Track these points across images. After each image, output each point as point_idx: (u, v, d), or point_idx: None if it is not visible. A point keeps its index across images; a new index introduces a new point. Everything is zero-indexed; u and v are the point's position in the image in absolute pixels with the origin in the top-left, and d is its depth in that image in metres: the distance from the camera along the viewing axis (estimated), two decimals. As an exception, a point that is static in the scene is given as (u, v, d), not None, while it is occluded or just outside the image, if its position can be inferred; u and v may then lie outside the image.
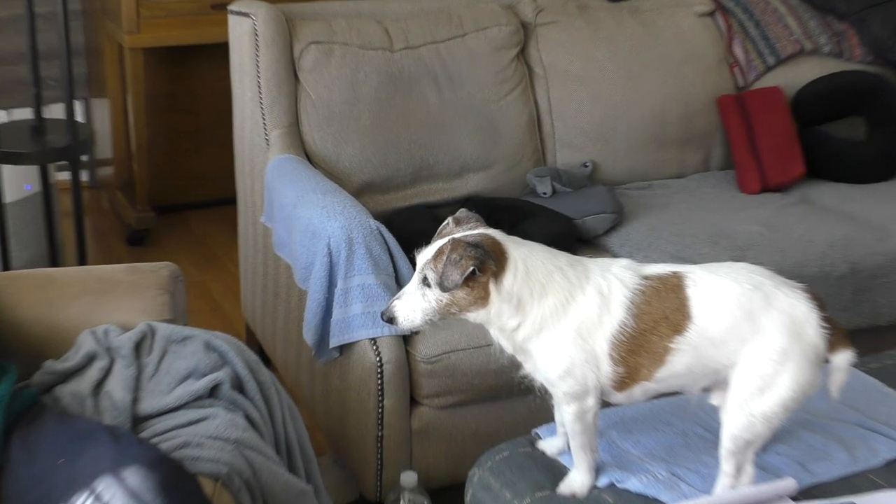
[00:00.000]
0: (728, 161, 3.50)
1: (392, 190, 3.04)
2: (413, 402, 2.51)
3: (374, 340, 2.42)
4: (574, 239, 2.94)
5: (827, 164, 3.54)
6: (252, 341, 3.32)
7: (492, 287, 1.65)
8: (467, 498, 1.94)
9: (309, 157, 2.95)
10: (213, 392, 2.04)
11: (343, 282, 2.43)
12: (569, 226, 2.94)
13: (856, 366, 2.23)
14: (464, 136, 3.11)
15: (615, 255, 2.91)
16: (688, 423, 1.99)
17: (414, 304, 1.67)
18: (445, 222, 1.74)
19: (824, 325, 1.70)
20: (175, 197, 4.67)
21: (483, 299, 1.66)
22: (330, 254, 2.45)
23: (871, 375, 2.20)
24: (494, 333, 1.73)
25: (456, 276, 1.60)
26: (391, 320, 1.69)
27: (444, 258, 1.61)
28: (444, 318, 1.69)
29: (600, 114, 3.30)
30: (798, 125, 3.57)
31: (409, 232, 2.59)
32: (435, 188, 3.09)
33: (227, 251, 4.24)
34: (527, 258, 1.67)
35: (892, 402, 2.08)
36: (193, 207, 4.70)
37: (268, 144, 2.94)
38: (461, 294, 1.65)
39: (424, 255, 1.67)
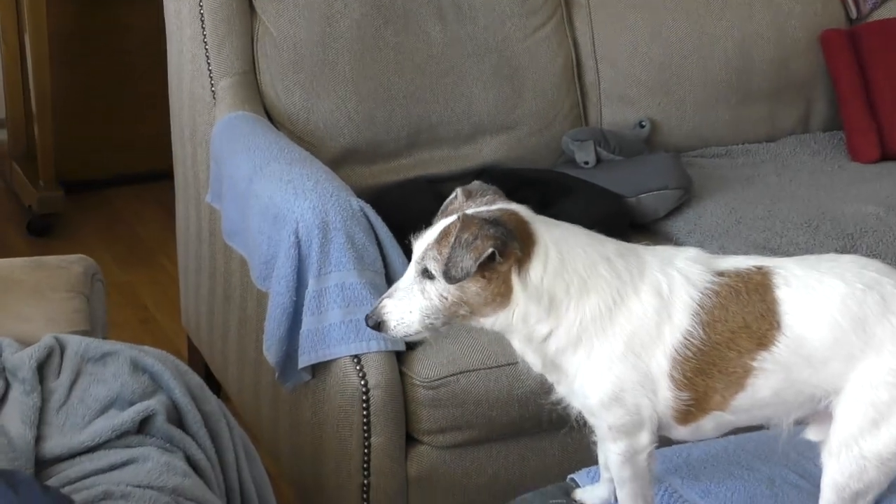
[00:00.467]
0: (835, 120, 3.53)
1: (381, 159, 3.08)
2: (410, 439, 2.55)
3: (357, 358, 2.46)
4: (626, 223, 2.98)
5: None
6: (196, 361, 3.37)
7: (515, 280, 1.68)
8: (480, 565, 1.98)
9: (269, 115, 3.00)
10: (142, 426, 2.07)
11: (316, 281, 2.47)
12: (618, 206, 2.98)
13: None
14: (477, 87, 3.15)
15: (680, 244, 2.94)
16: (776, 468, 2.02)
17: (411, 304, 1.69)
18: (453, 195, 1.77)
19: None
20: (91, 170, 4.72)
21: (503, 296, 1.68)
22: (298, 244, 2.49)
23: None
24: (518, 345, 1.76)
25: (468, 261, 1.62)
26: (379, 325, 1.71)
27: (452, 240, 1.63)
28: (449, 321, 1.71)
29: (661, 55, 3.33)
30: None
31: (404, 214, 2.61)
32: (438, 157, 3.13)
33: (163, 243, 4.30)
34: (562, 243, 1.70)
35: None
36: (116, 184, 4.76)
37: (214, 99, 2.99)
38: (475, 288, 1.67)
39: (425, 239, 1.69)
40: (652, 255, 1.76)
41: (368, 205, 2.58)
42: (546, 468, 2.58)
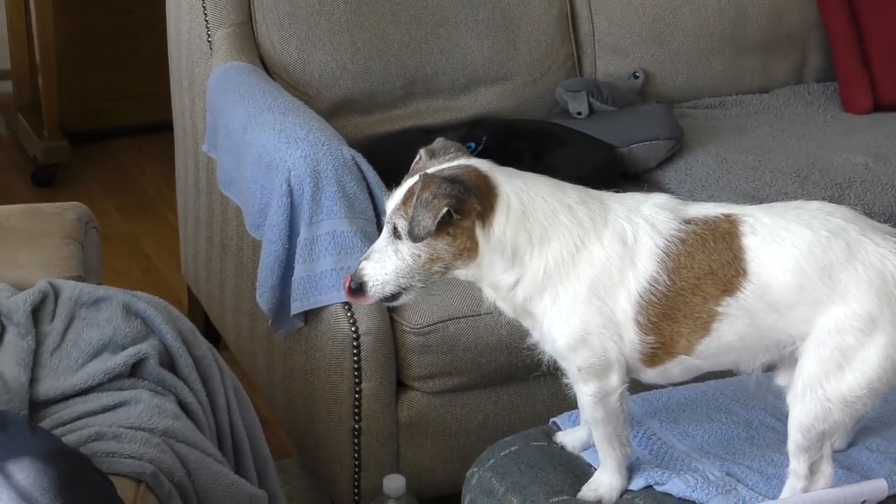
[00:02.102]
0: (829, 70, 3.53)
1: (376, 109, 3.09)
2: (400, 385, 2.58)
3: (348, 305, 2.49)
4: (618, 173, 3.00)
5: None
6: (196, 310, 3.41)
7: (479, 233, 1.72)
8: (464, 504, 2.02)
9: (265, 66, 3.01)
10: (134, 370, 2.11)
11: (308, 229, 2.50)
12: (611, 156, 3.00)
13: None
14: (472, 38, 3.16)
15: (671, 194, 2.94)
16: (753, 411, 2.05)
17: (386, 265, 1.74)
18: (417, 156, 1.81)
19: None
20: (95, 121, 4.74)
21: (471, 250, 1.73)
22: (290, 192, 2.51)
23: None
24: (490, 294, 1.80)
25: (428, 220, 1.67)
26: (360, 287, 1.76)
27: (415, 200, 1.68)
28: (429, 278, 1.76)
29: (656, 6, 3.34)
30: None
31: (398, 165, 2.59)
32: (433, 107, 3.14)
33: (165, 193, 4.32)
34: (522, 193, 1.74)
35: None
36: (120, 135, 4.78)
37: (211, 49, 3.00)
38: (441, 244, 1.72)
39: (393, 200, 1.74)
40: (619, 203, 1.78)
41: (360, 154, 2.60)
42: (535, 413, 2.61)
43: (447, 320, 2.51)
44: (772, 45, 3.48)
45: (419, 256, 1.73)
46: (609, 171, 2.95)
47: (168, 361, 2.17)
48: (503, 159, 2.85)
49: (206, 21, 3.01)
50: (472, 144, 3.05)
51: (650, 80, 3.34)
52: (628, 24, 3.33)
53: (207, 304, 3.24)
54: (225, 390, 2.24)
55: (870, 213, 2.81)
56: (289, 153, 2.53)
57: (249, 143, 2.66)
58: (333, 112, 3.04)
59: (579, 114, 3.11)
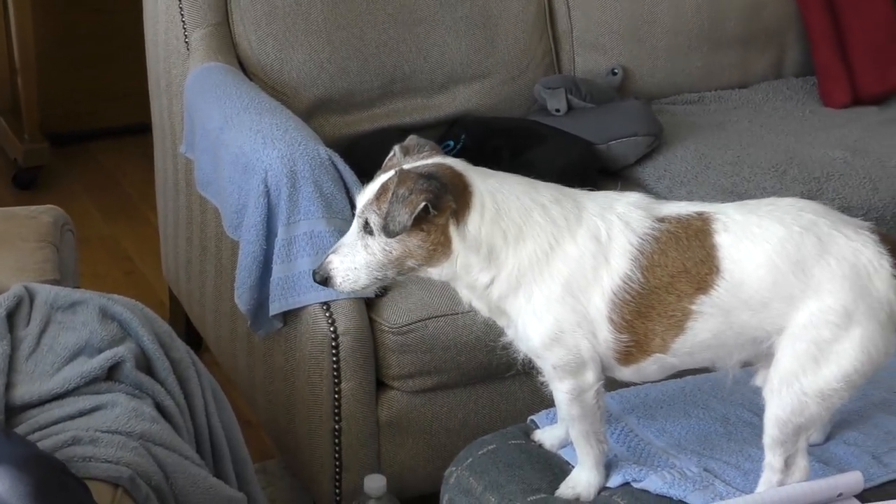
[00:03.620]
0: (808, 65, 3.53)
1: (354, 109, 3.09)
2: (380, 385, 2.58)
3: (326, 305, 2.49)
4: (596, 170, 3.00)
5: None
6: (178, 312, 3.40)
7: (453, 231, 1.72)
8: (442, 503, 2.02)
9: (243, 66, 3.01)
10: (111, 373, 2.10)
11: (285, 229, 2.49)
12: (589, 153, 3.00)
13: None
14: (450, 36, 3.15)
15: (650, 190, 2.96)
16: (731, 407, 2.06)
17: (355, 259, 1.74)
18: (391, 153, 1.80)
19: None
20: (77, 124, 4.73)
21: (444, 247, 1.73)
22: (267, 193, 2.51)
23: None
24: (465, 293, 1.80)
25: (404, 215, 1.66)
26: (326, 281, 1.76)
27: (390, 195, 1.67)
28: (399, 274, 1.76)
29: (634, 3, 3.34)
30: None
31: (377, 164, 2.60)
32: (411, 106, 3.14)
33: (146, 195, 4.29)
34: (497, 193, 1.73)
35: None
36: (101, 137, 4.77)
37: (188, 49, 3.00)
38: (415, 241, 1.71)
39: (365, 195, 1.74)
40: (592, 201, 1.78)
41: (336, 153, 2.59)
42: (516, 411, 2.61)
43: (426, 319, 2.51)
44: (750, 40, 3.48)
45: (391, 252, 1.72)
46: (587, 167, 2.96)
47: (145, 364, 2.16)
48: (482, 157, 2.88)
49: (183, 22, 3.00)
50: (451, 143, 3.05)
51: (628, 77, 3.34)
52: (606, 21, 3.33)
53: (188, 305, 3.23)
54: (203, 392, 2.23)
55: (848, 208, 2.85)
56: (265, 153, 2.52)
57: (226, 143, 2.65)
58: (311, 112, 3.03)
59: (557, 111, 3.11)
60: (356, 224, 1.75)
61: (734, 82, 3.48)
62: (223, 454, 2.25)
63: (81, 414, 2.02)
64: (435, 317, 2.52)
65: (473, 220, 1.72)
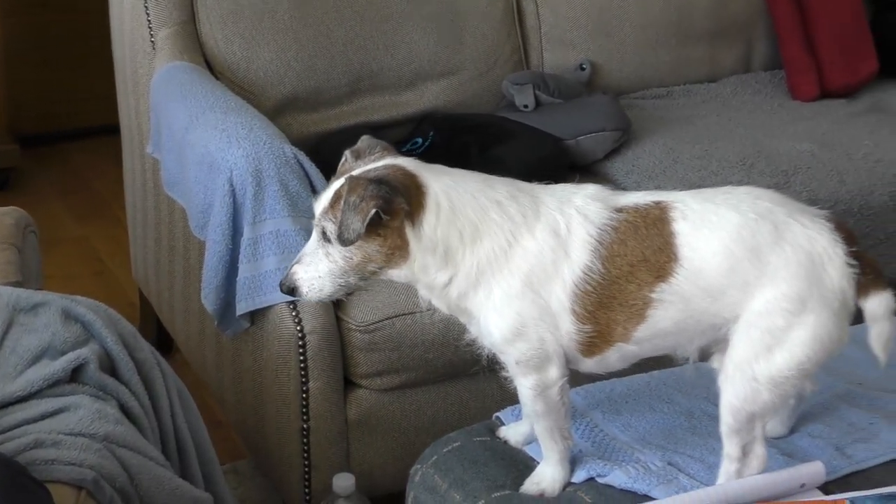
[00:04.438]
0: (776, 58, 3.55)
1: (322, 107, 3.09)
2: (348, 383, 2.57)
3: (293, 304, 2.48)
4: (565, 165, 3.00)
5: (909, 58, 3.59)
6: (148, 314, 3.39)
7: (409, 233, 1.72)
8: (408, 501, 2.01)
9: (210, 65, 3.00)
10: (74, 375, 2.09)
11: (251, 229, 2.49)
12: (557, 148, 3.00)
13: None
14: (417, 33, 3.15)
15: (619, 185, 2.97)
16: (695, 400, 2.06)
17: (318, 268, 1.74)
18: (343, 157, 1.80)
19: (852, 262, 1.75)
20: (47, 124, 4.71)
21: (402, 249, 1.72)
22: (233, 192, 2.50)
23: (942, 333, 2.27)
24: (424, 293, 1.80)
25: (356, 223, 1.66)
26: (292, 291, 1.76)
27: (342, 203, 1.67)
28: (362, 279, 1.76)
29: (601, -3, 3.35)
30: (870, 7, 3.61)
31: (344, 162, 2.64)
32: (379, 103, 3.14)
33: (118, 196, 4.25)
34: (451, 191, 1.73)
35: (964, 366, 2.15)
36: (72, 137, 4.75)
37: (154, 49, 2.99)
38: (373, 246, 1.71)
39: (321, 204, 1.73)
40: (550, 195, 1.78)
41: (302, 152, 2.59)
42: (485, 408, 2.59)
43: (393, 317, 2.51)
44: (718, 34, 3.49)
45: (351, 259, 1.72)
46: (556, 163, 2.96)
47: (109, 366, 2.15)
48: (450, 154, 2.90)
49: (149, 21, 3.00)
50: (420, 140, 3.05)
51: (597, 72, 3.34)
52: (574, 16, 3.33)
53: (158, 306, 3.22)
54: (168, 393, 2.22)
55: (815, 200, 2.85)
56: (230, 153, 2.52)
57: (191, 143, 2.64)
58: (279, 110, 3.03)
59: (526, 107, 3.11)
60: (315, 233, 1.75)
61: (703, 76, 3.49)
62: (189, 455, 2.24)
63: (44, 416, 2.01)
64: (402, 314, 2.51)
65: (428, 220, 1.72)
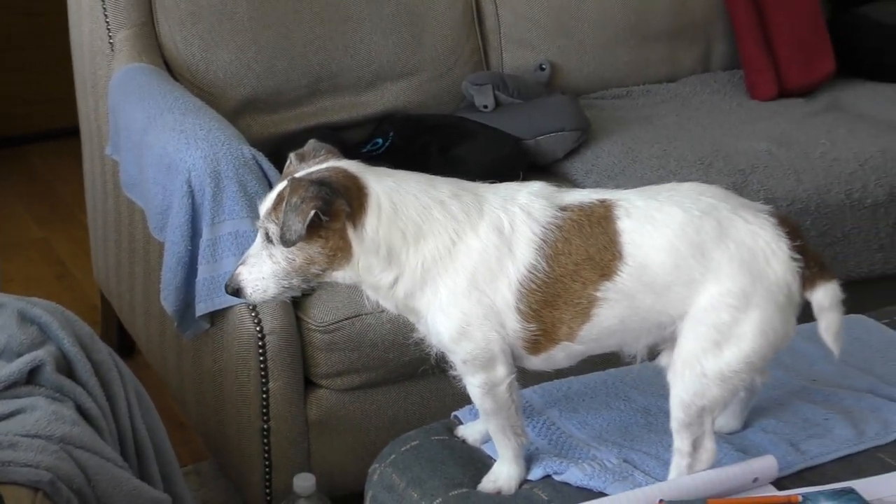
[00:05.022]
0: (735, 59, 3.57)
1: (283, 108, 3.09)
2: (309, 383, 2.57)
3: (252, 305, 2.48)
4: (524, 165, 3.01)
5: (866, 57, 3.62)
6: (110, 316, 3.38)
7: (351, 234, 1.72)
8: (366, 501, 2.01)
9: (169, 67, 2.99)
10: (31, 377, 2.09)
11: (209, 230, 2.48)
12: (516, 148, 3.01)
13: (879, 318, 2.34)
14: (377, 34, 3.16)
15: (578, 184, 2.98)
16: (652, 398, 2.07)
17: (262, 269, 1.74)
18: (288, 160, 1.81)
19: (796, 256, 1.77)
20: (9, 127, 4.68)
21: (344, 251, 1.73)
22: (191, 193, 2.50)
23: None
24: (371, 294, 1.81)
25: (297, 224, 1.66)
26: (237, 292, 1.76)
27: (284, 204, 1.68)
28: (305, 282, 1.76)
29: (560, -2, 3.36)
30: (827, 7, 3.64)
31: (304, 162, 2.64)
32: (340, 104, 3.14)
33: (80, 198, 4.25)
34: (393, 192, 1.74)
35: (917, 362, 2.17)
36: (34, 140, 4.73)
37: (112, 50, 2.98)
38: (315, 248, 1.72)
39: (265, 205, 1.74)
40: (494, 194, 1.79)
41: (262, 153, 2.59)
42: (445, 407, 2.58)
43: (352, 317, 2.51)
44: (677, 34, 3.51)
45: (294, 260, 1.73)
46: (516, 163, 2.97)
47: (66, 367, 2.14)
48: (410, 154, 2.91)
49: (107, 22, 2.99)
50: (380, 140, 3.06)
51: (557, 72, 3.36)
52: (533, 17, 3.34)
53: (119, 308, 3.22)
54: (126, 394, 2.22)
55: (772, 199, 2.88)
56: (188, 154, 2.51)
57: (150, 144, 2.64)
58: (239, 111, 3.03)
59: (485, 107, 3.12)
60: (260, 235, 1.75)
61: (662, 76, 3.51)
62: (148, 455, 2.24)
63: (0, 419, 2.01)
64: (362, 314, 2.52)
65: (370, 221, 1.72)
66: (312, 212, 1.67)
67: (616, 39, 3.42)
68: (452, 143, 2.97)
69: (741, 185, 2.91)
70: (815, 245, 2.93)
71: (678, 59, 3.53)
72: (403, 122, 3.09)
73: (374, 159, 2.39)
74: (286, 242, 1.69)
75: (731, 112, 3.35)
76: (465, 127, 3.04)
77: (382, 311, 2.47)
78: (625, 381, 2.13)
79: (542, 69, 3.32)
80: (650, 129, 3.20)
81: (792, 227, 1.80)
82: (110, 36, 2.98)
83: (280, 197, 1.71)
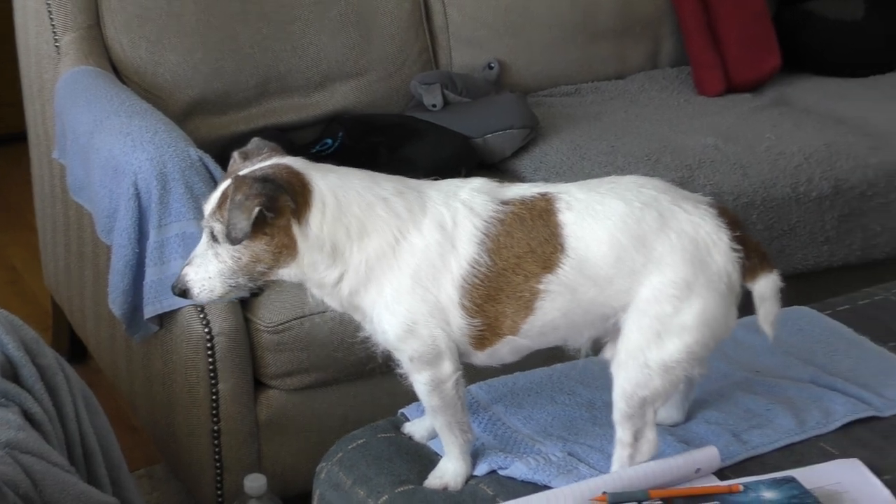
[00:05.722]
0: (683, 55, 3.60)
1: (231, 109, 3.09)
2: (258, 384, 2.58)
3: (200, 307, 2.48)
4: (473, 163, 3.02)
5: (812, 52, 3.67)
6: (61, 321, 3.36)
7: (296, 231, 1.73)
8: (314, 500, 2.02)
9: (116, 69, 2.99)
10: (-25, 382, 2.08)
11: (157, 232, 2.48)
12: (465, 147, 3.02)
13: (822, 310, 2.37)
14: (325, 35, 3.16)
15: (526, 182, 2.98)
16: (597, 392, 2.08)
17: (208, 269, 1.75)
18: (232, 159, 1.82)
19: (736, 247, 1.79)
20: (-42, 133, 4.65)
21: (289, 248, 1.73)
22: (138, 195, 2.49)
23: (838, 320, 2.32)
24: (316, 292, 1.81)
25: (242, 221, 1.67)
26: (184, 293, 1.76)
27: (228, 202, 1.68)
28: (251, 280, 1.76)
29: (508, -3, 3.37)
30: (773, 3, 3.67)
31: (253, 163, 2.64)
32: (289, 105, 3.14)
33: (30, 202, 4.24)
34: (337, 189, 1.75)
35: (858, 352, 2.20)
36: (-16, 145, 4.70)
37: (58, 53, 2.97)
38: (260, 245, 1.72)
39: (209, 204, 1.75)
40: (436, 190, 1.80)
41: (208, 154, 2.58)
42: (397, 406, 2.58)
43: (301, 317, 2.51)
44: (625, 32, 3.53)
45: (240, 259, 1.73)
46: (464, 161, 2.98)
47: (11, 372, 2.13)
48: (360, 154, 2.91)
49: (53, 25, 2.98)
50: (329, 141, 3.06)
51: (505, 71, 3.37)
52: (481, 16, 3.36)
53: (70, 313, 3.20)
54: (73, 399, 2.20)
55: (719, 193, 2.91)
56: (135, 156, 2.51)
57: (96, 147, 2.63)
58: (188, 113, 3.02)
59: (434, 106, 3.13)
60: (205, 234, 1.75)
61: (611, 73, 3.53)
62: (96, 460, 2.22)
63: (-56, 424, 2.00)
64: (311, 314, 2.52)
65: (315, 218, 1.73)
66: (257, 208, 1.67)
67: (564, 38, 3.43)
68: (401, 143, 2.98)
69: (688, 179, 2.93)
70: (761, 239, 2.96)
71: (626, 56, 3.56)
72: (352, 123, 3.09)
73: (323, 160, 2.37)
74: (232, 240, 1.69)
75: (678, 108, 3.37)
76: (413, 126, 3.05)
77: (328, 311, 2.48)
78: (570, 375, 2.14)
79: (491, 68, 3.33)
80: (598, 126, 3.22)
81: (732, 218, 1.82)
82: (56, 39, 2.97)
83: (224, 195, 1.71)
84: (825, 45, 3.68)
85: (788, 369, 2.15)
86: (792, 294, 2.42)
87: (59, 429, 2.16)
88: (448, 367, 1.80)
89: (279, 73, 3.11)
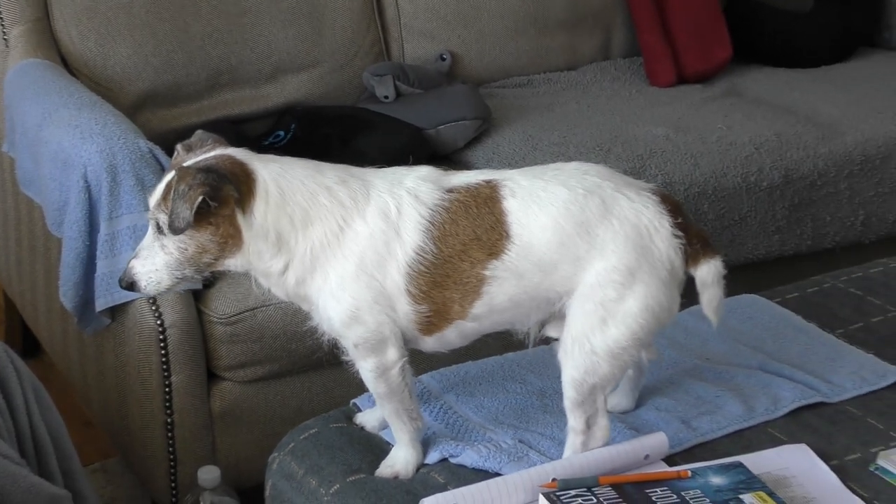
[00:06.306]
0: (635, 46, 3.61)
1: (182, 102, 3.08)
2: (212, 376, 2.57)
3: (152, 299, 2.47)
4: (425, 155, 3.03)
5: (762, 43, 3.70)
6: (14, 316, 3.34)
7: (240, 220, 1.73)
8: (267, 490, 2.02)
9: (65, 62, 2.97)
10: (-77, 377, 2.07)
11: (107, 224, 2.47)
12: (417, 138, 3.03)
13: (772, 297, 2.40)
14: (276, 27, 3.15)
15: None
16: (548, 380, 2.10)
17: (155, 261, 1.76)
18: (175, 151, 1.82)
19: (678, 233, 1.81)
20: None
21: (234, 238, 1.74)
22: (88, 188, 2.48)
23: (787, 308, 2.35)
24: (263, 282, 1.82)
25: (185, 211, 1.68)
26: (132, 286, 1.77)
27: (171, 193, 1.69)
28: (198, 271, 1.77)
29: (460, -11, 3.38)
30: (723, -6, 3.72)
31: (204, 156, 2.63)
32: (240, 97, 3.14)
33: (-18, 197, 4.22)
34: (280, 178, 1.75)
35: (806, 339, 2.23)
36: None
37: (7, 46, 2.95)
38: (206, 235, 1.73)
39: (154, 197, 1.75)
40: (381, 178, 1.81)
41: (159, 146, 2.58)
42: (350, 396, 2.58)
43: (254, 308, 2.51)
44: (577, 23, 3.55)
45: (186, 250, 1.74)
46: (417, 152, 2.98)
47: (-40, 366, 2.12)
48: (312, 146, 2.91)
49: (1, 18, 2.96)
50: (281, 133, 3.06)
51: (458, 62, 3.38)
52: (433, 7, 3.36)
53: (22, 307, 3.18)
54: (23, 391, 2.20)
55: (670, 183, 2.93)
56: (84, 148, 2.50)
57: (45, 140, 2.62)
58: (138, 106, 3.01)
59: (386, 98, 3.13)
60: (151, 226, 1.76)
61: (563, 65, 3.54)
62: (47, 452, 2.22)
63: None
64: (264, 305, 2.52)
65: (259, 207, 1.74)
66: (200, 198, 1.68)
67: (516, 29, 3.45)
68: (354, 135, 2.98)
69: (639, 169, 2.95)
70: (712, 228, 2.99)
71: (578, 47, 3.57)
72: (305, 115, 3.09)
73: (276, 151, 2.38)
74: (175, 230, 1.70)
75: (630, 99, 3.39)
76: (365, 118, 3.06)
77: (280, 303, 2.48)
78: (521, 364, 2.16)
79: (443, 59, 3.34)
80: (551, 117, 3.23)
81: (674, 204, 1.84)
82: (4, 32, 2.95)
83: (168, 187, 1.72)
84: (775, 36, 3.71)
85: (737, 356, 2.18)
86: (743, 283, 2.46)
87: (10, 421, 2.15)
88: (393, 354, 1.81)
89: (231, 65, 3.11)
